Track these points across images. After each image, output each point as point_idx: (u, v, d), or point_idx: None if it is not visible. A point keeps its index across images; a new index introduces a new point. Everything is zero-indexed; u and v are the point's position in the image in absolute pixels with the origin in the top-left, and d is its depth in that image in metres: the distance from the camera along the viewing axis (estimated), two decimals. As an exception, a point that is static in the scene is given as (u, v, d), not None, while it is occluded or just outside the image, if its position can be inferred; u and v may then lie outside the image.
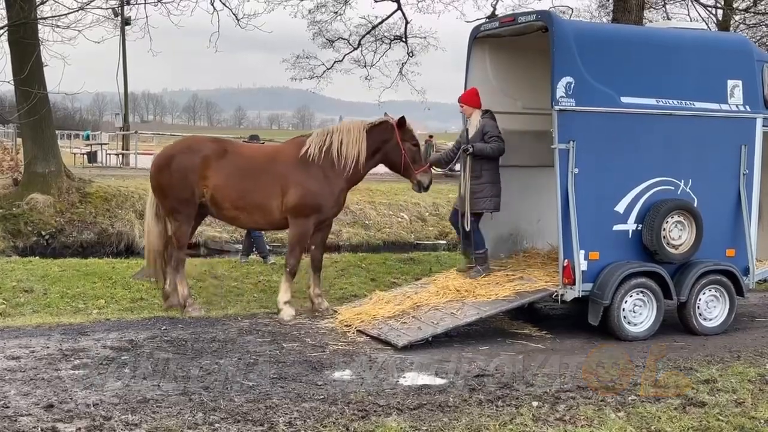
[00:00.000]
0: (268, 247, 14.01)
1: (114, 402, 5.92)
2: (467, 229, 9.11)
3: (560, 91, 8.35)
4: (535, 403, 6.24)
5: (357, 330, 8.53)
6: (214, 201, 9.09)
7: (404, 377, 6.97)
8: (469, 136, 9.17)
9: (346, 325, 8.67)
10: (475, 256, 9.33)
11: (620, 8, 15.53)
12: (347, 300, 10.34)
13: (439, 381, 6.87)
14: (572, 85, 8.38)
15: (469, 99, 9.36)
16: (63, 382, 6.38)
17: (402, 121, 9.15)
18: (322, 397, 6.25)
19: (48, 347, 7.50)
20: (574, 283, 8.43)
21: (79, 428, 5.34)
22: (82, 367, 6.85)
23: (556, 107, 8.36)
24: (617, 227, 8.73)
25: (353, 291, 11.14)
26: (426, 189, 9.45)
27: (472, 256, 9.42)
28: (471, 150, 9.01)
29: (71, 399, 5.96)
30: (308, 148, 9.05)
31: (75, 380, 6.46)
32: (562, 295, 8.54)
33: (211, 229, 18.05)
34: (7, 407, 5.72)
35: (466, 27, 15.55)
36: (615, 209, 8.71)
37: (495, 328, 9.08)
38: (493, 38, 9.87)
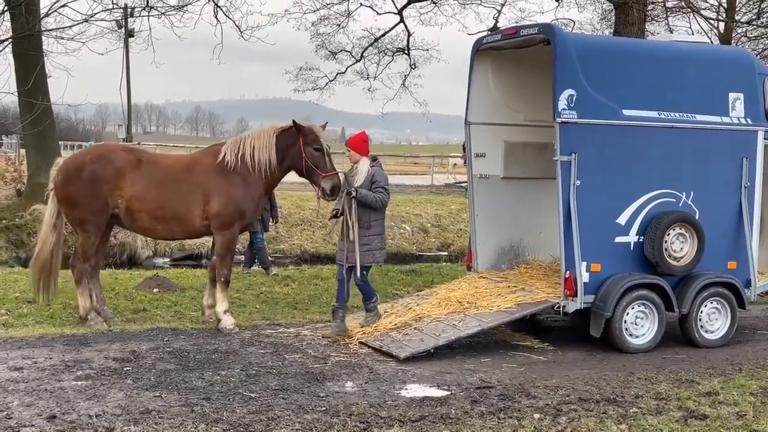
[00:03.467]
0: (270, 259, 14.02)
1: (117, 413, 5.93)
2: (356, 281, 8.72)
3: (562, 103, 8.38)
4: (536, 416, 6.24)
5: (359, 342, 8.53)
6: (130, 212, 8.94)
7: (406, 389, 6.97)
8: (357, 183, 8.60)
9: (348, 337, 8.67)
10: (368, 307, 8.99)
11: (622, 21, 15.61)
12: (349, 312, 10.31)
13: (441, 393, 6.87)
14: (574, 98, 8.41)
15: (357, 145, 8.82)
16: (66, 393, 6.40)
17: (298, 126, 8.93)
18: (324, 408, 6.26)
19: (51, 358, 7.51)
20: (576, 295, 8.44)
21: (82, 439, 5.35)
22: (84, 378, 6.86)
23: (558, 119, 8.39)
24: (619, 239, 8.74)
25: (355, 302, 11.11)
26: (330, 195, 8.84)
27: (366, 305, 9.06)
28: (355, 194, 8.47)
29: (74, 410, 5.97)
30: (224, 156, 8.97)
31: (78, 391, 6.47)
32: (564, 306, 8.54)
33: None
34: (11, 418, 5.74)
35: (468, 39, 15.66)
36: (617, 221, 8.73)
37: (497, 339, 9.08)
38: (496, 51, 9.92)
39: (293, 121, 8.98)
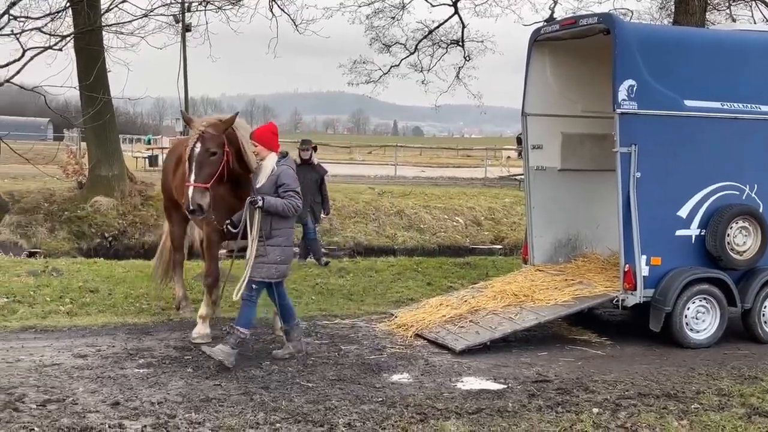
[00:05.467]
0: (323, 250, 14.15)
1: (178, 401, 6.05)
2: (235, 297, 7.30)
3: (622, 94, 8.24)
4: (595, 410, 6.17)
5: (414, 334, 8.53)
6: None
7: (462, 381, 6.96)
8: (258, 184, 7.28)
9: (403, 329, 8.69)
10: (235, 334, 7.20)
11: (682, 11, 15.25)
12: (404, 303, 10.35)
13: (497, 386, 6.84)
14: (634, 88, 8.26)
15: (264, 138, 7.33)
16: (128, 381, 6.55)
17: (186, 119, 7.94)
18: (380, 399, 6.28)
19: (113, 346, 7.69)
20: (635, 289, 8.30)
21: (145, 426, 5.46)
22: (146, 366, 7.01)
23: (618, 110, 8.25)
24: (680, 232, 8.57)
25: (409, 295, 11.14)
26: (190, 213, 7.27)
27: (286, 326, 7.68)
28: (260, 204, 7.11)
29: (137, 397, 6.10)
30: None
31: (140, 379, 6.61)
32: (622, 300, 8.42)
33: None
34: (76, 404, 5.89)
35: (524, 30, 15.49)
36: (678, 214, 8.55)
37: (554, 333, 8.99)
38: (553, 41, 9.80)
39: (181, 112, 8.45)
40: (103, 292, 10.29)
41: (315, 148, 13.83)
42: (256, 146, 7.31)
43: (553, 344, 8.48)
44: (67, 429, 5.26)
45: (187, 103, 35.49)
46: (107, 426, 5.38)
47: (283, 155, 7.40)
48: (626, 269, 8.34)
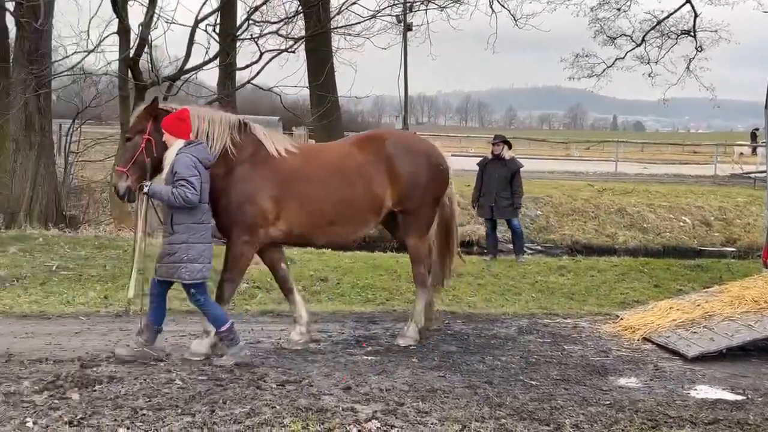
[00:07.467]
0: (524, 248, 14.32)
1: (404, 389, 6.22)
2: (130, 293, 6.78)
3: None
4: None
5: (642, 337, 8.20)
6: None
7: (696, 389, 6.60)
8: (164, 174, 6.81)
9: (630, 331, 8.37)
10: (144, 338, 6.76)
11: None
12: (629, 305, 9.99)
13: (735, 396, 6.42)
14: None
15: (170, 125, 6.77)
16: (358, 367, 6.83)
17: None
18: (608, 402, 6.10)
19: (343, 333, 8.08)
20: None
21: (375, 411, 5.66)
22: (374, 354, 7.29)
23: None
24: None
25: (635, 296, 10.73)
26: (119, 194, 6.96)
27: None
28: (146, 189, 6.67)
29: (366, 383, 6.34)
30: None
31: (368, 365, 6.88)
32: None
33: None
34: (312, 386, 6.23)
35: (764, 18, 14.33)
36: None
37: (799, 344, 8.27)
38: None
39: (154, 98, 7.40)
40: (332, 282, 10.83)
41: (508, 144, 13.71)
42: (164, 134, 6.80)
43: (799, 356, 7.80)
44: (304, 409, 5.57)
45: (407, 102, 36.38)
46: (341, 409, 5.64)
47: (192, 142, 6.77)
48: None
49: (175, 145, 6.74)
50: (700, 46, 22.89)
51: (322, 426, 5.25)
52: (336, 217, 7.32)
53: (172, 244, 6.62)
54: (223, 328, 6.73)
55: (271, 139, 7.28)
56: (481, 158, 14.20)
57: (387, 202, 7.46)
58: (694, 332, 7.99)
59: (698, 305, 8.65)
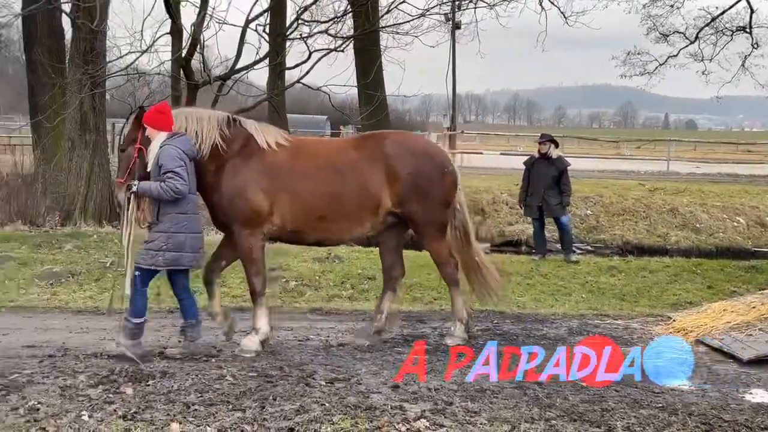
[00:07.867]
0: (573, 247, 14.14)
1: (453, 388, 6.20)
2: (126, 290, 6.78)
3: None
4: None
5: (695, 339, 8.06)
6: None
7: (751, 393, 6.48)
8: (149, 167, 6.85)
9: (682, 333, 8.23)
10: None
11: None
12: (682, 307, 9.82)
13: (793, 402, 6.27)
14: None
15: (151, 119, 6.83)
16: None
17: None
18: (660, 405, 6.01)
19: (391, 331, 8.07)
20: None
21: (424, 410, 5.66)
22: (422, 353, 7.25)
23: None
24: None
25: (688, 298, 10.55)
26: (119, 206, 7.18)
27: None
28: (134, 189, 6.74)
29: (414, 381, 6.33)
30: None
31: (417, 364, 6.86)
32: None
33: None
34: (360, 384, 6.25)
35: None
36: None
37: None
38: None
39: (140, 107, 7.33)
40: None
41: (555, 143, 13.57)
42: (147, 129, 6.86)
43: None
44: (353, 407, 5.60)
45: (455, 101, 36.30)
46: (389, 407, 5.65)
47: (176, 134, 6.86)
48: None
49: (158, 138, 6.80)
50: (756, 43, 22.41)
51: (370, 424, 5.27)
52: (326, 212, 7.22)
53: (155, 233, 6.76)
54: (135, 320, 6.78)
55: (261, 132, 7.27)
56: (528, 156, 14.10)
57: (385, 202, 7.32)
58: (749, 335, 7.83)
59: (753, 307, 8.47)
